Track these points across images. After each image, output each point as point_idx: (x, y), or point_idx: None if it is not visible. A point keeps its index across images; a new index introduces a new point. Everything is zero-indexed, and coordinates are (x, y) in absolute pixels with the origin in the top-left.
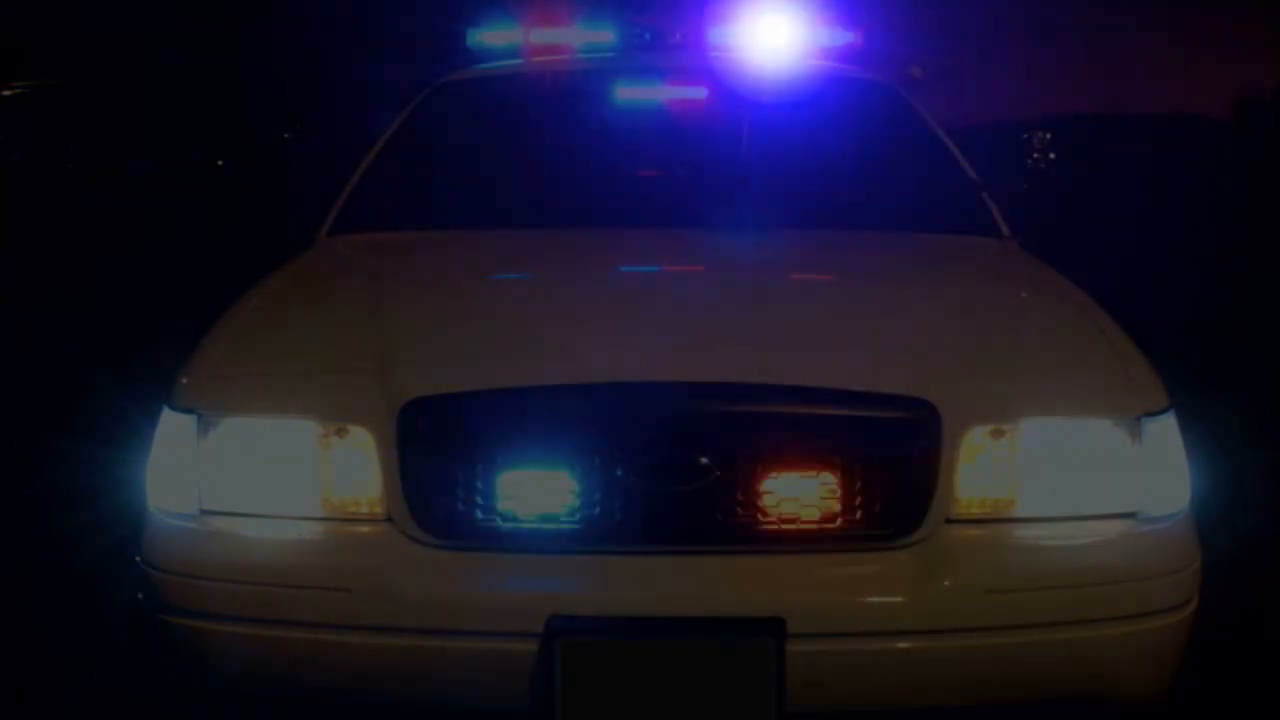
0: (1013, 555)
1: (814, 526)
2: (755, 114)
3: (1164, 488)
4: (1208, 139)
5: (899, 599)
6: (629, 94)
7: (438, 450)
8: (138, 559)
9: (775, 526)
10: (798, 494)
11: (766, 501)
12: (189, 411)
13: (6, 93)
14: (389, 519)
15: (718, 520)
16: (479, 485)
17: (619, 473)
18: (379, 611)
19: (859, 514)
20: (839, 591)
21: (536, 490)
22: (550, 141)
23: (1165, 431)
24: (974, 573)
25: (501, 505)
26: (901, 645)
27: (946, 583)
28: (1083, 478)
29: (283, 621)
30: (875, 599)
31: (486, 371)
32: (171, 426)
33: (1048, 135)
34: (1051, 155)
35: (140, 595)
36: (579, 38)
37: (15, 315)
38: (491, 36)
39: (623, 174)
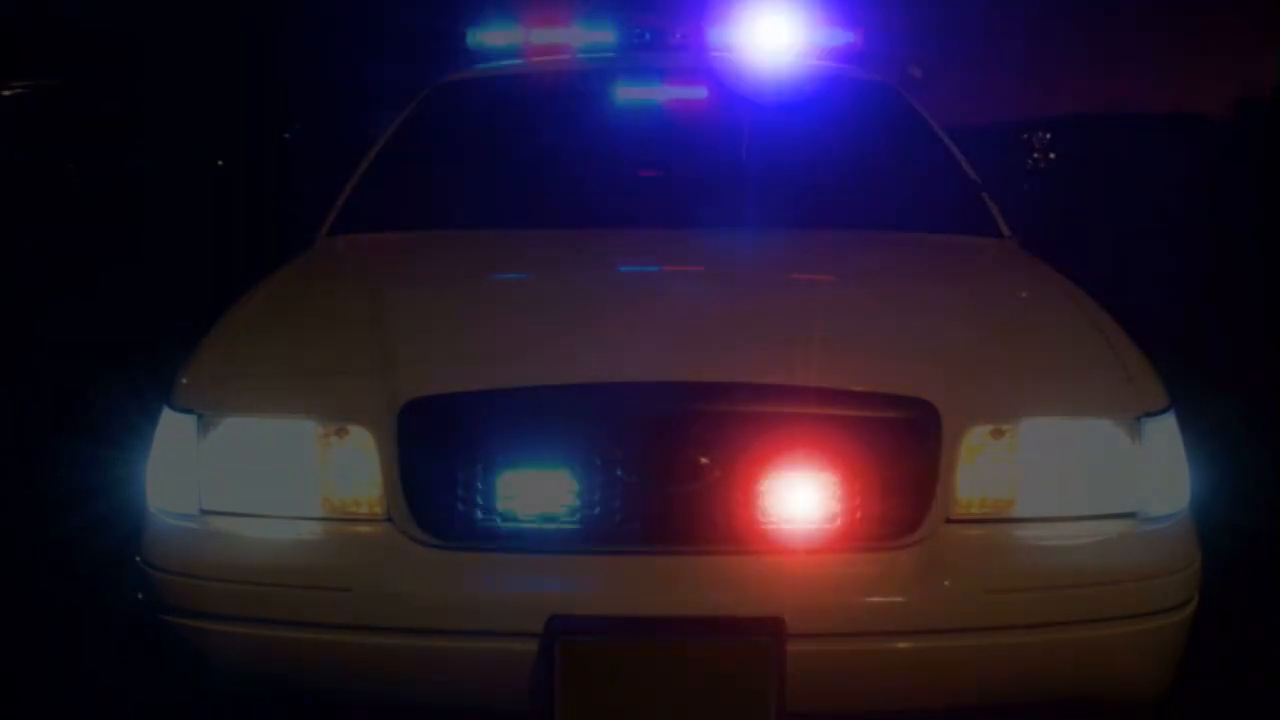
0: (1013, 555)
1: (814, 526)
2: (755, 114)
3: (1164, 488)
4: (1208, 139)
5: (899, 599)
6: (629, 94)
7: (438, 450)
8: (138, 559)
9: (775, 526)
10: (797, 494)
11: (766, 501)
12: (189, 412)
13: (6, 93)
14: (389, 519)
15: (718, 520)
16: (479, 485)
17: (619, 473)
18: (379, 611)
19: (859, 514)
20: (839, 591)
21: (536, 490)
22: (550, 141)
23: (1165, 431)
24: (974, 573)
25: (501, 505)
26: (901, 645)
27: (946, 583)
28: (1083, 478)
29: (283, 621)
30: (875, 599)
31: (486, 371)
32: (171, 427)
33: (1048, 135)
34: (1051, 155)
35: (140, 595)
36: (579, 38)
37: (15, 315)
38: (491, 36)
39: (623, 174)
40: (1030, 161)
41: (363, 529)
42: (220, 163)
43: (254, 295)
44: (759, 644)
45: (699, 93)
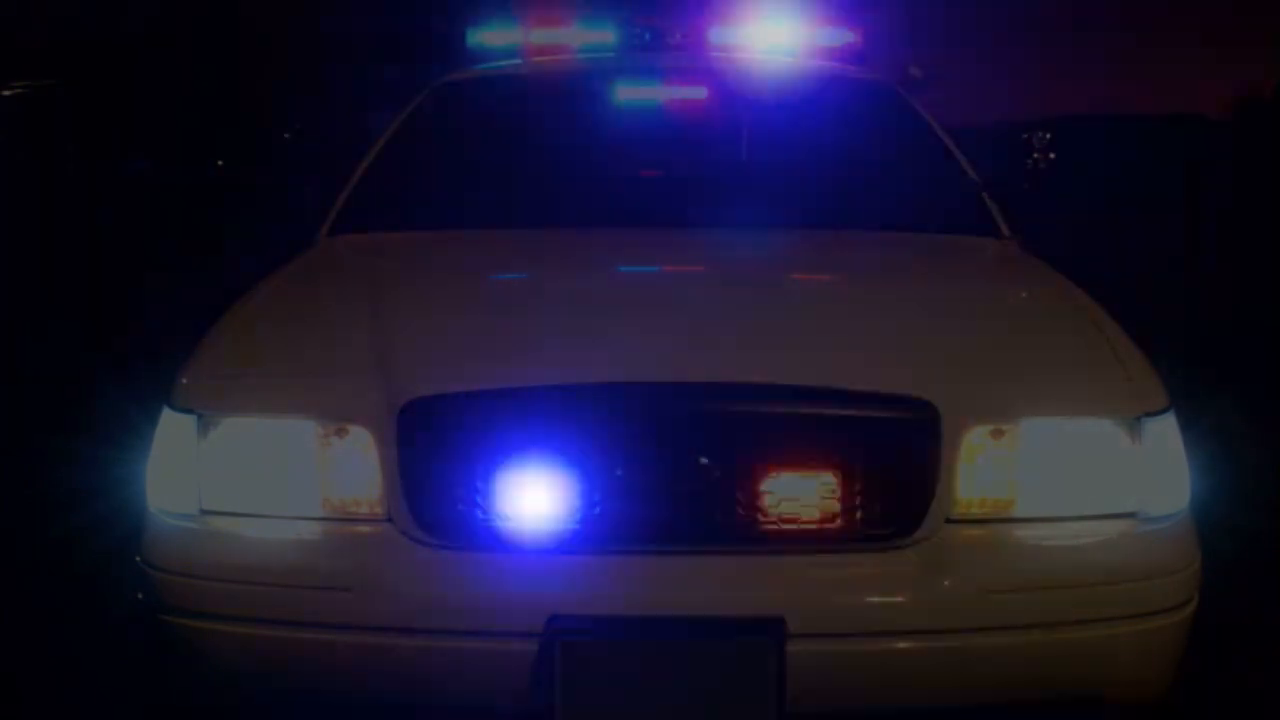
0: (1013, 555)
1: (814, 526)
2: (755, 114)
3: (1164, 488)
4: (1207, 139)
5: (899, 599)
6: (629, 94)
7: (438, 450)
8: (138, 559)
9: (775, 526)
10: (798, 494)
11: (766, 501)
12: (189, 412)
13: (6, 93)
14: (389, 519)
15: (718, 520)
16: (479, 485)
17: (619, 473)
18: (379, 611)
19: (859, 514)
20: (839, 591)
21: (536, 490)
22: (550, 141)
23: (1165, 431)
24: (974, 573)
25: (501, 505)
26: (901, 645)
27: (946, 583)
28: (1082, 478)
29: (283, 621)
30: (875, 599)
31: (486, 371)
32: (171, 427)
33: (1048, 135)
34: (1051, 155)
35: (140, 595)
36: (579, 38)
37: (15, 314)
38: (491, 36)
39: (623, 174)
40: (1030, 161)
41: (363, 529)
42: (220, 163)
43: (254, 295)
44: (759, 644)
45: (699, 93)
